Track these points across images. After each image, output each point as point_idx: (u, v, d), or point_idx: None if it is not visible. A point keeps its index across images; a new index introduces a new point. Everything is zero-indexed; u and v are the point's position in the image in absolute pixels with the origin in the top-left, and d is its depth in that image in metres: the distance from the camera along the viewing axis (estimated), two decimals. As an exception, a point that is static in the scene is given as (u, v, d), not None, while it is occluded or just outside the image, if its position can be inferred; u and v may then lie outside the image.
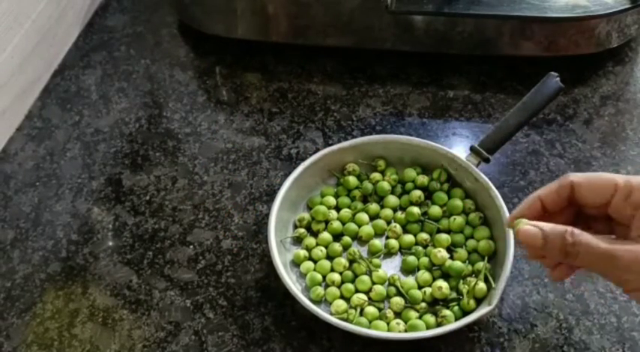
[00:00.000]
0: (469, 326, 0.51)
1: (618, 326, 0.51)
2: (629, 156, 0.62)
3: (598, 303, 0.52)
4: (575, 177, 0.42)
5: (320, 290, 0.52)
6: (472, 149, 0.57)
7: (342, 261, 0.54)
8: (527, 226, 0.41)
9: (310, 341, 0.51)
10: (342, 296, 0.52)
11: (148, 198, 0.61)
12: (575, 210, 0.44)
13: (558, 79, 0.55)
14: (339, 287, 0.53)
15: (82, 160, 0.65)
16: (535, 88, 0.56)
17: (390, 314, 0.51)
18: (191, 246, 0.58)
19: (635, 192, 0.40)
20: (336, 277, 0.53)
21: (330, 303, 0.52)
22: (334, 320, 0.48)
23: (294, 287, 0.50)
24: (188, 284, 0.55)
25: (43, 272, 0.57)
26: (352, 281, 0.53)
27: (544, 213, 0.44)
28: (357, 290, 0.53)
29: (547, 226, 0.40)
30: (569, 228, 0.39)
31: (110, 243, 0.58)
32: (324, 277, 0.54)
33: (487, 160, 0.56)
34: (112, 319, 0.53)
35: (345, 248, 0.55)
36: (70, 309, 0.54)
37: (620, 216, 0.41)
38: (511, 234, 0.50)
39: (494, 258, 0.53)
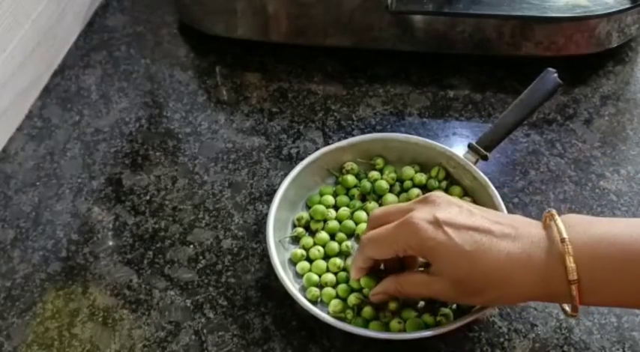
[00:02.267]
0: (469, 326, 0.51)
1: (618, 325, 0.51)
2: (629, 155, 0.62)
3: (598, 303, 0.52)
4: (367, 248, 0.48)
5: (315, 290, 0.52)
6: (470, 147, 0.57)
7: (337, 261, 0.54)
8: (376, 295, 0.50)
9: (310, 341, 0.51)
10: (337, 296, 0.52)
11: (148, 197, 0.61)
12: None
13: (556, 75, 0.55)
14: (334, 287, 0.53)
15: (82, 160, 0.65)
16: (533, 84, 0.56)
17: (388, 313, 0.51)
18: (191, 246, 0.58)
19: (408, 251, 0.46)
20: (330, 278, 0.53)
21: (327, 304, 0.52)
22: (333, 320, 0.48)
23: (293, 287, 0.50)
24: (188, 283, 0.55)
25: (43, 272, 0.57)
26: (347, 281, 0.53)
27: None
28: (352, 290, 0.53)
29: (384, 286, 0.49)
30: (396, 279, 0.48)
31: (110, 243, 0.58)
32: (321, 277, 0.53)
33: (485, 158, 0.56)
34: (112, 319, 0.53)
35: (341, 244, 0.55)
36: (70, 309, 0.54)
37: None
38: None
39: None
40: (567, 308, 0.45)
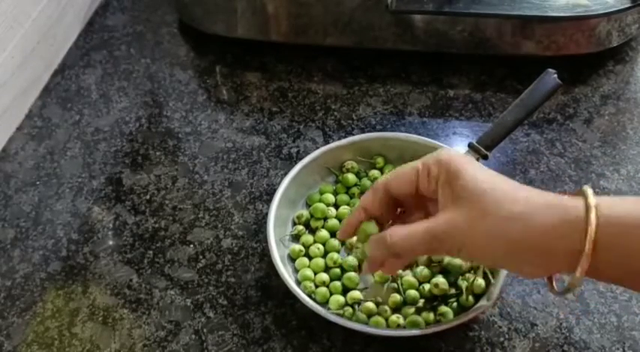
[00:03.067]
0: (469, 326, 0.51)
1: (618, 325, 0.51)
2: (629, 155, 0.62)
3: (598, 302, 0.52)
4: (383, 178, 0.46)
5: (310, 284, 0.52)
6: (470, 146, 0.56)
7: (335, 256, 0.54)
8: (372, 262, 0.46)
9: (310, 340, 0.51)
10: (331, 294, 0.52)
11: (148, 197, 0.61)
12: (395, 209, 0.48)
13: (556, 75, 0.55)
14: (327, 286, 0.53)
15: (83, 159, 0.65)
16: (533, 84, 0.56)
17: (388, 309, 0.51)
18: (191, 245, 0.58)
19: (432, 167, 0.43)
20: (325, 278, 0.53)
21: (323, 303, 0.52)
22: (334, 317, 0.48)
23: (294, 284, 0.50)
24: (188, 283, 0.55)
25: (43, 272, 0.57)
26: (339, 278, 0.53)
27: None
28: (346, 289, 0.52)
29: (376, 242, 0.45)
30: (386, 233, 0.43)
31: (110, 242, 0.58)
32: (316, 275, 0.53)
33: (485, 157, 0.56)
34: (113, 318, 0.53)
35: (343, 243, 0.55)
36: (71, 308, 0.54)
37: (430, 194, 0.44)
38: None
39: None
40: (556, 286, 0.44)
